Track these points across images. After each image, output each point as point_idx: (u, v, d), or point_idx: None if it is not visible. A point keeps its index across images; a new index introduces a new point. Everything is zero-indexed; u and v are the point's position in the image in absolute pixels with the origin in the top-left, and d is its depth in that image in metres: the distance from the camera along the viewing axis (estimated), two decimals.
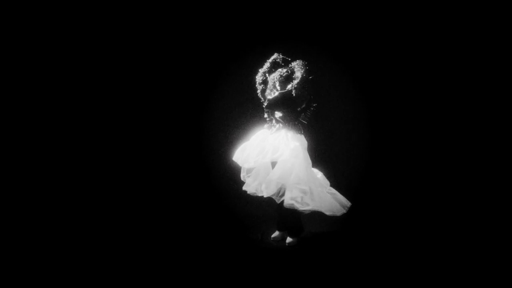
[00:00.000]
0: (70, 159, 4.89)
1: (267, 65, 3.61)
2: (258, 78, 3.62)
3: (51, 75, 4.87)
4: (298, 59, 3.53)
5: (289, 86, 3.46)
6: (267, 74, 3.60)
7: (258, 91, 3.64)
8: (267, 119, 3.61)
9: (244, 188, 3.63)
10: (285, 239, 3.61)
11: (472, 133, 4.71)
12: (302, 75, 3.43)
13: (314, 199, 3.42)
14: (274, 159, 3.40)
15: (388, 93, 4.90)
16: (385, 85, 4.89)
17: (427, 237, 3.66)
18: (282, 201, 3.42)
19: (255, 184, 3.57)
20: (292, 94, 3.42)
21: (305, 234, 3.66)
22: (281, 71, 3.52)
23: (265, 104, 3.57)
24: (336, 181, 3.75)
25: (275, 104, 3.50)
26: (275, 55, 3.63)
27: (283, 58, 3.61)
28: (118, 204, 4.44)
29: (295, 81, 3.43)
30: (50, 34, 4.78)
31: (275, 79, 3.53)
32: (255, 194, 3.58)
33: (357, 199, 3.79)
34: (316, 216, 3.57)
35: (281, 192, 3.42)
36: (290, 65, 3.55)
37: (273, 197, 3.46)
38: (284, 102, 3.47)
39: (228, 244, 3.57)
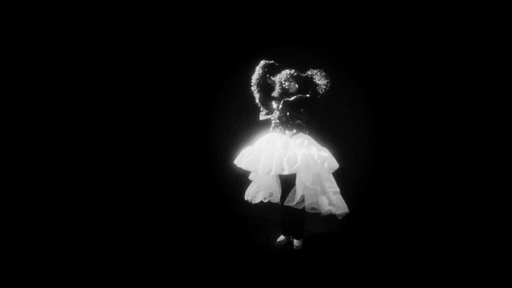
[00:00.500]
0: (78, 165, 4.90)
1: (259, 71, 3.56)
2: (260, 81, 3.56)
3: (68, 79, 4.88)
4: (316, 68, 3.56)
5: (306, 91, 3.49)
6: (267, 75, 3.58)
7: (257, 95, 3.58)
8: (275, 121, 3.55)
9: (246, 197, 3.61)
10: (291, 242, 3.60)
11: (479, 135, 4.69)
12: (327, 83, 3.47)
13: (342, 200, 3.45)
14: (316, 170, 3.31)
15: (392, 93, 4.89)
16: (389, 85, 4.88)
17: (432, 239, 3.66)
18: (289, 206, 3.42)
19: (252, 190, 3.58)
20: (318, 100, 3.47)
21: (308, 236, 3.66)
22: (290, 72, 3.52)
23: (280, 105, 3.50)
24: (342, 183, 3.70)
25: (292, 106, 3.48)
26: (263, 61, 3.59)
27: (272, 63, 3.59)
28: (124, 208, 4.42)
29: (322, 88, 3.46)
30: (66, 38, 4.79)
31: (282, 79, 3.52)
32: (252, 201, 3.57)
33: (361, 201, 3.80)
34: (311, 217, 3.60)
35: (300, 199, 3.38)
36: (308, 72, 3.57)
37: (293, 205, 3.40)
38: (303, 106, 3.48)
39: (235, 248, 3.55)
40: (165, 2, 4.86)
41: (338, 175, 3.58)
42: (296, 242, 3.56)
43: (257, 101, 3.61)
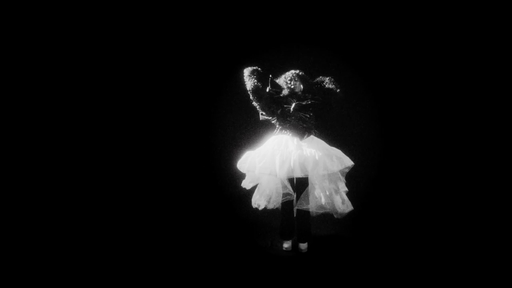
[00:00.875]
0: (83, 168, 4.87)
1: (252, 79, 3.48)
2: (256, 88, 3.47)
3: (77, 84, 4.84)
4: (326, 75, 3.57)
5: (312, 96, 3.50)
6: (270, 77, 3.53)
7: (257, 103, 3.51)
8: (284, 124, 3.50)
9: (254, 205, 3.55)
10: (295, 246, 3.56)
11: (486, 135, 4.64)
12: (339, 91, 3.49)
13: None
14: (334, 169, 3.33)
15: (397, 92, 4.84)
16: (394, 85, 4.83)
17: (439, 242, 3.64)
18: (298, 209, 3.43)
19: (258, 197, 3.52)
20: (330, 106, 3.50)
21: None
22: (295, 71, 3.51)
23: (292, 108, 3.46)
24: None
25: (303, 109, 3.46)
26: (249, 69, 3.51)
27: (257, 69, 3.53)
28: (128, 211, 4.41)
29: (333, 95, 3.48)
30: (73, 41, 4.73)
31: (287, 79, 3.50)
32: (259, 207, 3.52)
33: (365, 202, 3.78)
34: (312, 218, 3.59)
35: (316, 201, 3.40)
36: (318, 78, 3.57)
37: (307, 208, 3.40)
38: (314, 110, 3.48)
39: (239, 251, 3.53)
40: (170, 3, 4.79)
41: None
42: (302, 245, 3.53)
43: (259, 109, 3.54)
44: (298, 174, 3.29)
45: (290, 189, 3.41)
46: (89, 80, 4.86)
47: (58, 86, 4.77)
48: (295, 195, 3.45)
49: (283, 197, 3.43)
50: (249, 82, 3.49)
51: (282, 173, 3.30)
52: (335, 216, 3.47)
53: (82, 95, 4.85)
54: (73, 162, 4.81)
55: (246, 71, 3.53)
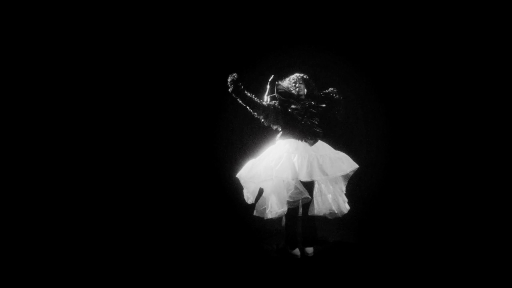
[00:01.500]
0: (88, 178, 4.94)
1: (246, 97, 3.41)
2: (252, 99, 3.44)
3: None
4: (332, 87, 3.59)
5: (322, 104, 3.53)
6: (274, 80, 3.53)
7: (265, 119, 3.51)
8: (293, 129, 3.47)
9: (269, 216, 3.40)
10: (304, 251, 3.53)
11: (492, 137, 4.64)
12: (342, 105, 3.56)
13: None
14: (345, 171, 3.38)
15: (401, 95, 4.83)
16: (398, 87, 4.80)
17: (445, 247, 3.63)
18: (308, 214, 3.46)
19: (274, 205, 3.40)
20: (338, 112, 3.56)
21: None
22: (300, 75, 3.53)
23: (303, 113, 3.47)
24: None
25: (314, 115, 3.50)
26: (233, 85, 3.39)
27: (236, 82, 3.40)
28: (134, 215, 4.45)
29: (338, 107, 3.54)
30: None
31: (292, 81, 3.52)
32: (276, 215, 3.39)
33: (369, 204, 3.76)
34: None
35: (326, 204, 3.44)
36: (330, 89, 3.58)
37: (317, 211, 3.44)
38: (323, 116, 3.55)
39: (244, 255, 3.54)
40: (176, 7, 4.78)
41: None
42: (308, 249, 3.52)
43: (262, 119, 3.52)
44: (317, 176, 3.29)
45: (306, 192, 3.35)
46: (96, 85, 4.93)
47: (73, 92, 4.87)
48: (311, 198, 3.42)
49: (297, 200, 3.39)
50: (244, 100, 3.43)
51: (302, 176, 3.28)
52: (329, 217, 3.48)
53: (91, 101, 4.93)
54: (84, 175, 4.89)
55: (232, 91, 3.40)
